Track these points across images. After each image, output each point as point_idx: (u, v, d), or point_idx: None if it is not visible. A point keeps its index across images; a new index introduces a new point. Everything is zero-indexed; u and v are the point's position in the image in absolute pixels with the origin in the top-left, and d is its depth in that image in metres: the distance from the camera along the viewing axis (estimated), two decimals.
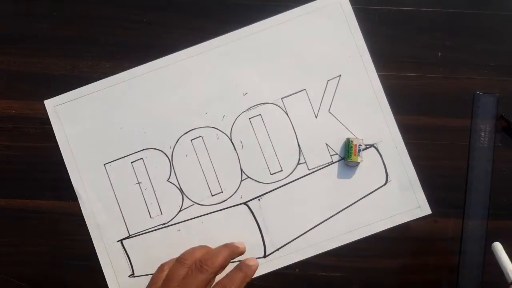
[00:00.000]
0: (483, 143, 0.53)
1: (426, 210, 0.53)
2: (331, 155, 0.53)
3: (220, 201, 0.53)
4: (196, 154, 0.53)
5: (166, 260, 0.50)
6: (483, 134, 0.53)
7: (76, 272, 0.53)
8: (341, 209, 0.53)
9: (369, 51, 0.54)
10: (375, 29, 0.54)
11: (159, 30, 0.54)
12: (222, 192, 0.53)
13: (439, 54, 0.54)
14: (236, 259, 0.51)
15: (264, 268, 0.52)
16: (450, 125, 0.54)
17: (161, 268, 0.49)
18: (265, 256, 0.53)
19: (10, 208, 0.53)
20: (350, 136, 0.53)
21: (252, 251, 0.52)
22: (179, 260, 0.48)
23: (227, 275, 0.48)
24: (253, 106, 0.54)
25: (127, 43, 0.54)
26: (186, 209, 0.53)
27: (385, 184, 0.53)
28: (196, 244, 0.51)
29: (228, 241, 0.51)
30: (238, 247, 0.51)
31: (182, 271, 0.47)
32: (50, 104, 0.54)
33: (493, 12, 0.54)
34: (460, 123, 0.54)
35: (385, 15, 0.54)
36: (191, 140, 0.53)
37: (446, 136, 0.53)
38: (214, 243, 0.51)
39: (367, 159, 0.53)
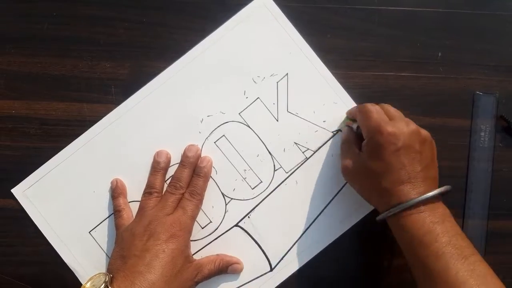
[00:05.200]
0: (483, 143, 0.53)
1: None
2: (303, 152, 0.53)
3: (212, 231, 0.53)
4: None
5: None
6: (483, 134, 0.53)
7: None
8: (330, 199, 0.53)
9: (369, 51, 0.54)
10: (375, 29, 0.54)
11: (159, 30, 0.54)
12: (211, 221, 0.53)
13: (439, 54, 0.54)
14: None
15: (274, 281, 0.52)
16: (450, 125, 0.54)
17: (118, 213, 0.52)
18: (272, 269, 0.52)
19: (10, 208, 0.53)
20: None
21: (258, 268, 0.52)
22: (146, 195, 0.52)
23: (190, 184, 0.51)
24: (214, 130, 0.53)
25: (127, 43, 0.54)
26: None
27: None
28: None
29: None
30: (187, 156, 0.52)
31: (151, 202, 0.51)
32: (19, 191, 0.53)
33: (493, 12, 0.54)
34: (460, 123, 0.54)
35: (385, 15, 0.54)
36: (166, 181, 0.53)
37: (446, 136, 0.53)
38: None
39: (338, 145, 0.53)
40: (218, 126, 0.54)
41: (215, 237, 0.53)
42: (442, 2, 0.54)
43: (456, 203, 0.53)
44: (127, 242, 0.48)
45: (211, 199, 0.53)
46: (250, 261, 0.52)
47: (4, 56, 0.54)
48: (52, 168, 0.53)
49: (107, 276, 0.46)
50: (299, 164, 0.53)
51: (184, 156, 0.52)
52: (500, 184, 0.53)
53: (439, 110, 0.54)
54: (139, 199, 0.52)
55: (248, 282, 0.52)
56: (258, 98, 0.54)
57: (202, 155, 0.53)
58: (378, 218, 0.47)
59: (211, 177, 0.53)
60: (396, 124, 0.46)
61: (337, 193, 0.53)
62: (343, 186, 0.53)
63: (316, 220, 0.53)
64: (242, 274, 0.52)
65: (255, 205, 0.53)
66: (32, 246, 0.53)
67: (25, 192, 0.53)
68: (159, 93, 0.54)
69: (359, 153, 0.48)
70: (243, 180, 0.53)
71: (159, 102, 0.54)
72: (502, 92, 0.54)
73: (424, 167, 0.45)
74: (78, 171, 0.53)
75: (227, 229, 0.53)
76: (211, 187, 0.53)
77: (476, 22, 0.54)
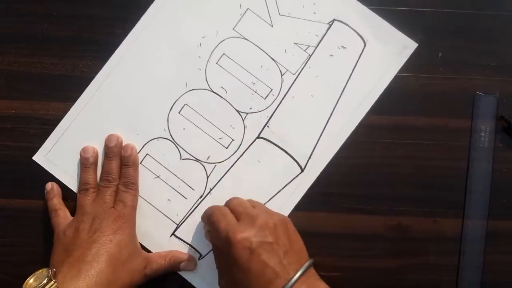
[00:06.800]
0: (483, 143, 0.53)
1: (412, 45, 0.53)
2: (305, 50, 0.54)
3: (236, 148, 0.53)
4: (191, 122, 0.54)
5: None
6: (483, 135, 0.53)
7: None
8: (343, 87, 0.53)
9: None
10: None
11: None
12: (233, 140, 0.53)
13: (439, 54, 0.54)
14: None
15: (307, 181, 0.53)
16: (450, 126, 0.54)
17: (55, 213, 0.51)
18: (303, 170, 0.53)
19: (10, 208, 0.53)
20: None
21: (290, 173, 0.53)
22: (82, 192, 0.51)
23: (122, 175, 0.52)
24: (213, 51, 0.54)
25: None
26: (212, 173, 0.53)
27: (365, 46, 0.53)
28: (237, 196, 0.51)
29: (264, 177, 0.52)
30: (109, 147, 0.52)
31: (89, 198, 0.51)
32: (41, 156, 0.53)
33: (493, 12, 0.54)
34: (460, 123, 0.54)
35: (386, 15, 0.54)
36: (179, 112, 0.54)
37: (446, 136, 0.53)
38: (251, 188, 0.53)
39: (337, 34, 0.53)
40: (216, 46, 0.54)
41: (241, 153, 0.53)
42: (442, 2, 0.54)
43: (456, 203, 0.53)
44: (71, 237, 0.49)
45: (228, 118, 0.53)
46: (280, 167, 0.53)
47: (4, 56, 0.54)
48: (66, 127, 0.53)
49: (50, 271, 0.46)
50: (304, 63, 0.54)
51: (107, 147, 0.52)
52: (500, 184, 0.53)
53: (439, 110, 0.54)
54: (158, 135, 0.53)
55: (283, 188, 0.53)
56: (248, 8, 0.54)
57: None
58: None
59: (222, 98, 0.53)
60: (243, 226, 0.44)
61: (348, 79, 0.53)
62: (352, 72, 0.53)
63: (334, 111, 0.53)
64: (276, 181, 0.53)
65: (271, 113, 0.54)
66: (32, 246, 0.53)
67: (47, 157, 0.53)
68: (151, 30, 0.54)
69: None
70: (254, 92, 0.54)
71: (153, 39, 0.54)
72: (502, 92, 0.54)
73: (284, 253, 0.44)
74: (91, 124, 0.54)
75: (250, 143, 0.53)
76: (224, 107, 0.53)
77: (476, 22, 0.54)
